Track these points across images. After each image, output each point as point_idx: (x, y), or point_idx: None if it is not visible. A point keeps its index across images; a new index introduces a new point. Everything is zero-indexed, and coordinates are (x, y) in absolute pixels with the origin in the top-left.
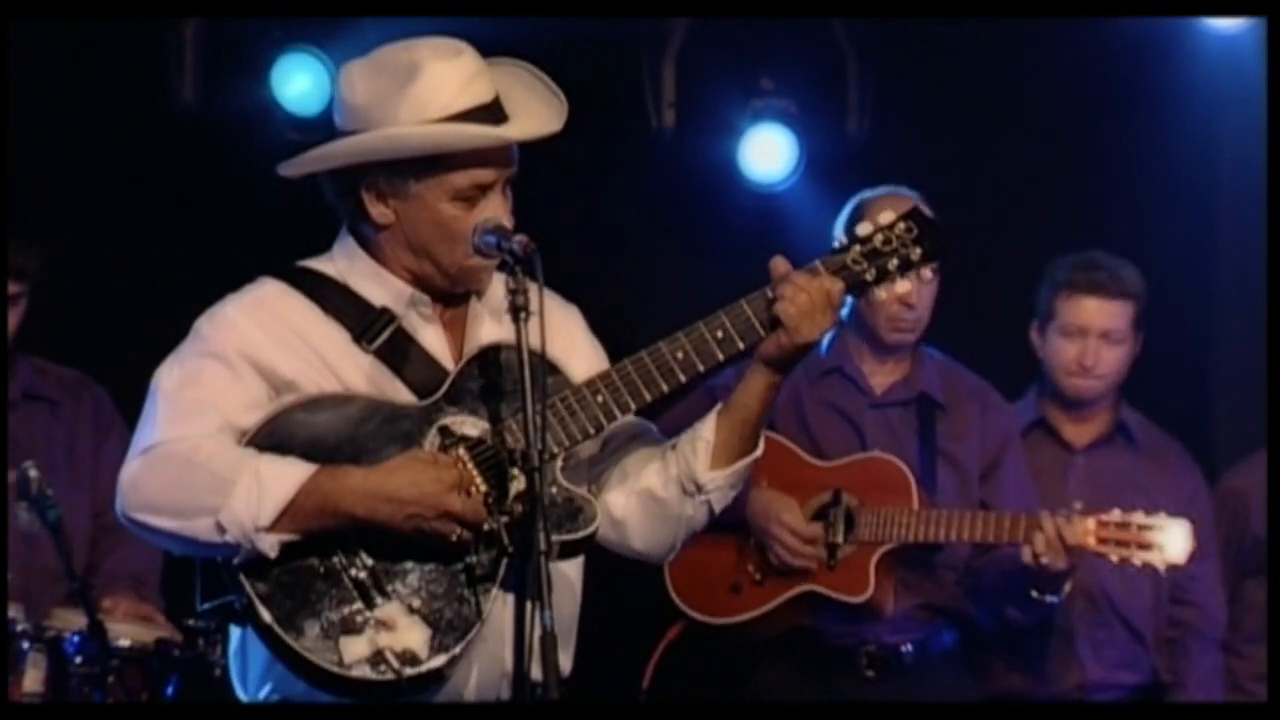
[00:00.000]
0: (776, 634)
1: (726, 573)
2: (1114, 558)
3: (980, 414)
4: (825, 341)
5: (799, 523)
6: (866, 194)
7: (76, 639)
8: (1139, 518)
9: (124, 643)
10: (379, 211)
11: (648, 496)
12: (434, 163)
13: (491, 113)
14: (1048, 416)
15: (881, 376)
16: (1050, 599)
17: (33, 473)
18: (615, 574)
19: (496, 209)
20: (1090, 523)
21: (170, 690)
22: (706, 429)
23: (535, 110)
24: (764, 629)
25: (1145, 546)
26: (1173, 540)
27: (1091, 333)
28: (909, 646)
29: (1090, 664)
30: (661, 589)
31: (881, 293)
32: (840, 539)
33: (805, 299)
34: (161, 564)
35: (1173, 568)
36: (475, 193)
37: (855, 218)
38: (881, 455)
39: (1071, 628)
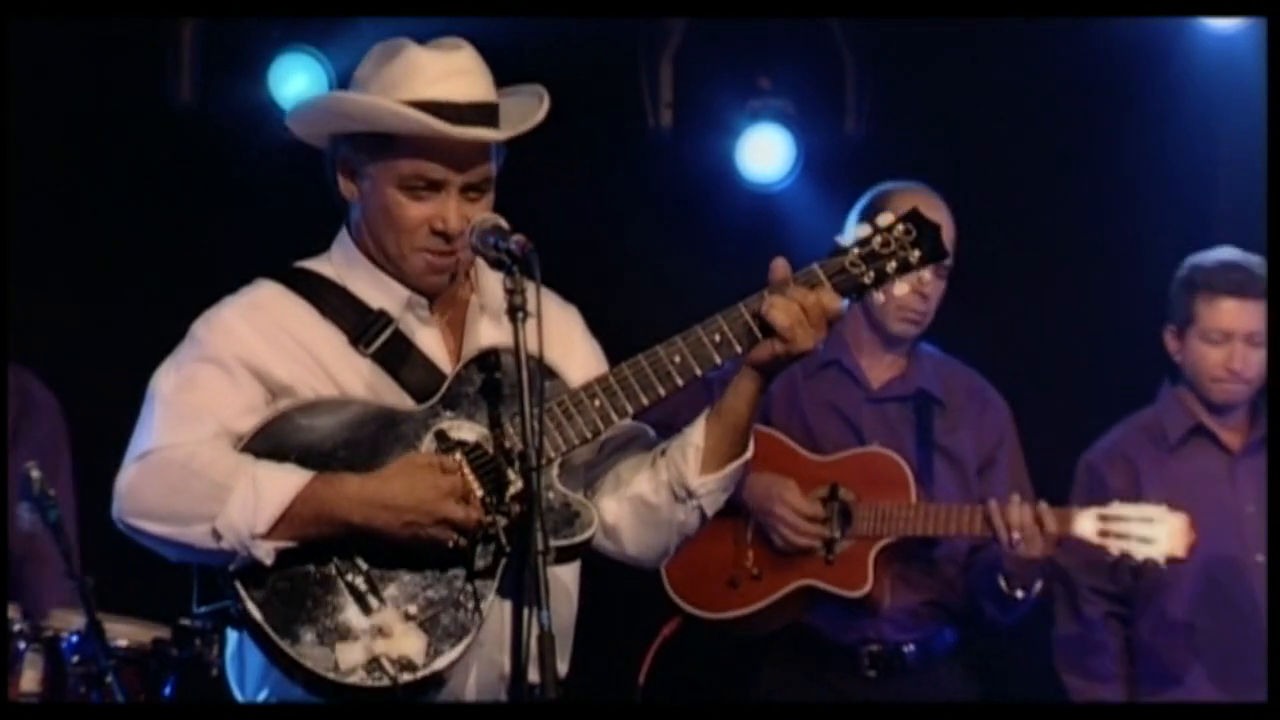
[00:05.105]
0: (775, 630)
1: (723, 567)
2: (1114, 550)
3: (977, 410)
4: None
5: (801, 501)
6: (885, 186)
7: (74, 639)
8: (1138, 510)
9: (121, 643)
10: (346, 188)
11: (639, 503)
12: (386, 144)
13: (459, 111)
14: (1205, 422)
15: (880, 371)
16: (1018, 594)
17: (35, 473)
18: (611, 568)
19: (445, 210)
20: (1091, 514)
21: (168, 690)
22: (696, 434)
23: (511, 120)
24: (762, 624)
25: (1144, 540)
26: (1171, 533)
27: (1237, 336)
28: (911, 646)
29: None
30: (658, 584)
31: (880, 296)
32: (837, 533)
33: (797, 310)
34: None
35: (1172, 560)
36: (420, 184)
37: (873, 211)
38: (879, 450)
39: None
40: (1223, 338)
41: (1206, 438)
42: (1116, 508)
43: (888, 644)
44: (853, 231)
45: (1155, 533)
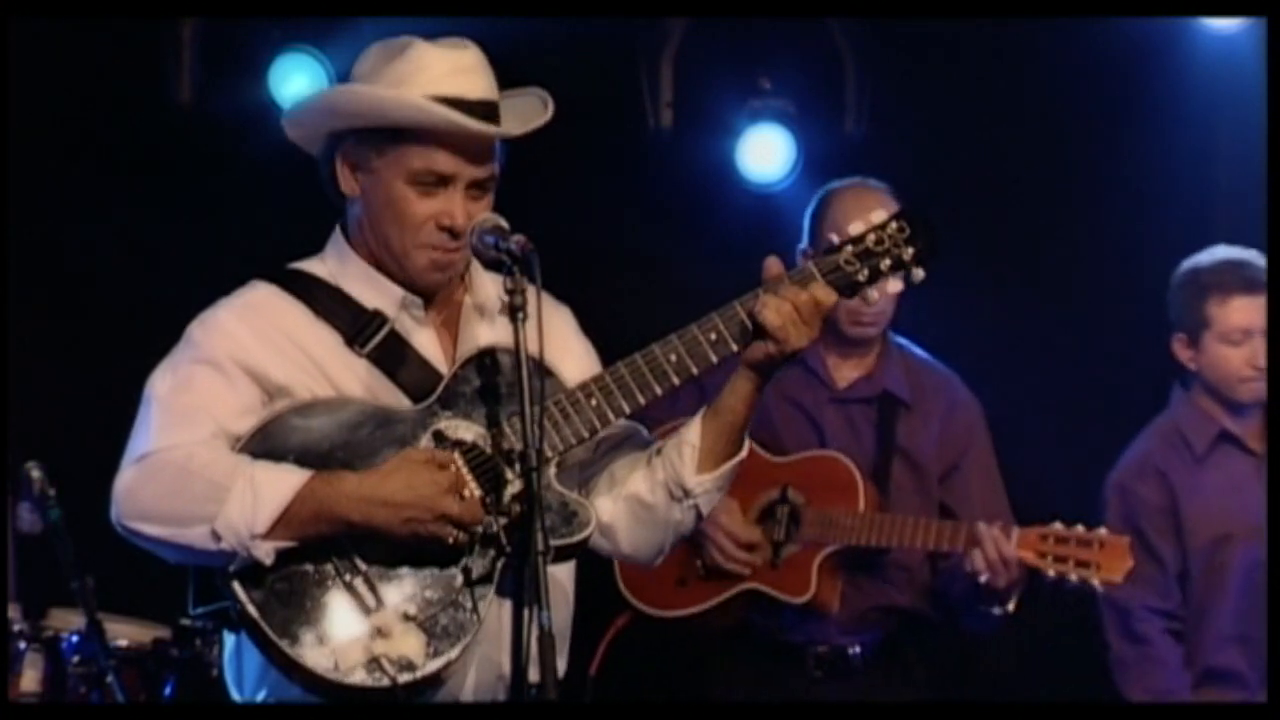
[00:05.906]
0: (722, 629)
1: (673, 566)
2: (1050, 572)
3: (944, 412)
4: None
5: (737, 526)
6: (834, 185)
7: (74, 639)
8: (1079, 532)
9: (121, 643)
10: (348, 184)
11: (635, 502)
12: (395, 138)
13: (469, 108)
14: (1228, 428)
15: (845, 370)
16: (995, 611)
17: (35, 473)
18: None
19: (451, 206)
20: (1030, 535)
21: (168, 690)
22: (692, 434)
23: (513, 120)
24: (710, 623)
25: (1083, 563)
26: (1112, 558)
27: (1255, 332)
28: (856, 648)
29: None
30: (610, 579)
31: (874, 293)
32: (785, 538)
33: (789, 309)
34: None
35: (1108, 585)
36: (430, 179)
37: (821, 209)
38: (831, 454)
39: None
40: (1243, 336)
41: (1232, 444)
42: (1058, 529)
43: (834, 646)
44: (812, 220)
45: (1094, 557)
